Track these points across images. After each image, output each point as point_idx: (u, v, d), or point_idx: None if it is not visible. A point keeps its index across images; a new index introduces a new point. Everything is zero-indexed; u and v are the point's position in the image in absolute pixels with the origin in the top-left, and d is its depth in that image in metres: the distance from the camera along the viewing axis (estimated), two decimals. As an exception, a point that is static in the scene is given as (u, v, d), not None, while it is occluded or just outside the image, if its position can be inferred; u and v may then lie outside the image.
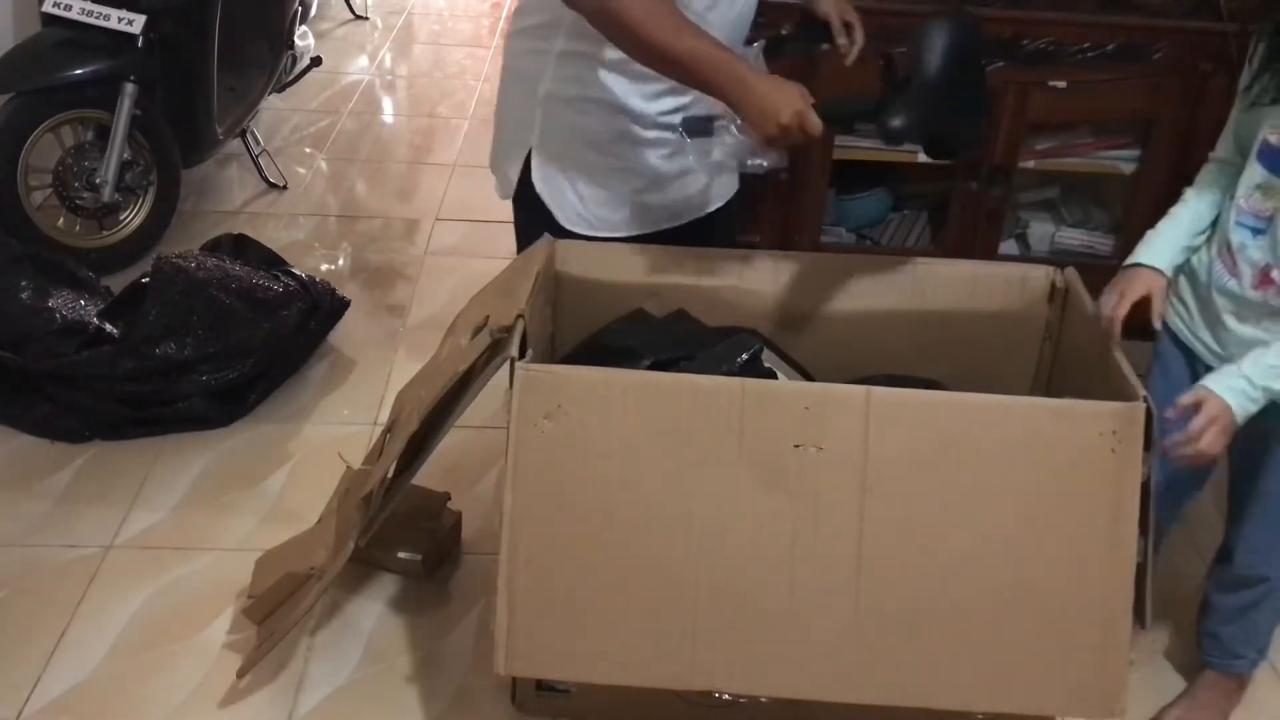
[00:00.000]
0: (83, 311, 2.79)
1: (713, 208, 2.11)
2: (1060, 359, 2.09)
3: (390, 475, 1.90)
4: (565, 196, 1.98)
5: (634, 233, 2.03)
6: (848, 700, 1.76)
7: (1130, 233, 2.99)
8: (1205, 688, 2.13)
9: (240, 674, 2.03)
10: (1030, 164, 2.94)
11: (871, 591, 1.70)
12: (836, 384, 1.72)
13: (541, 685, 1.98)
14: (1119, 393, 1.72)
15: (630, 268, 2.06)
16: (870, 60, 1.78)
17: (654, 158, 1.96)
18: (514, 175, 2.00)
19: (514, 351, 1.71)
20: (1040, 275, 2.08)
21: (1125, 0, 2.79)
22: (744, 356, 1.91)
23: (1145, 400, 1.67)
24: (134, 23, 3.12)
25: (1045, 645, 1.72)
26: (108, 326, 2.75)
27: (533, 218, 2.00)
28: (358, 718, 2.04)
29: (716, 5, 1.82)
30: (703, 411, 1.68)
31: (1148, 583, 1.79)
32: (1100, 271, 2.94)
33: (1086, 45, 2.73)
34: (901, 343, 2.06)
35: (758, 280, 2.06)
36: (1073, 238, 3.08)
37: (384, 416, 2.78)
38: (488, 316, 1.84)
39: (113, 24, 3.11)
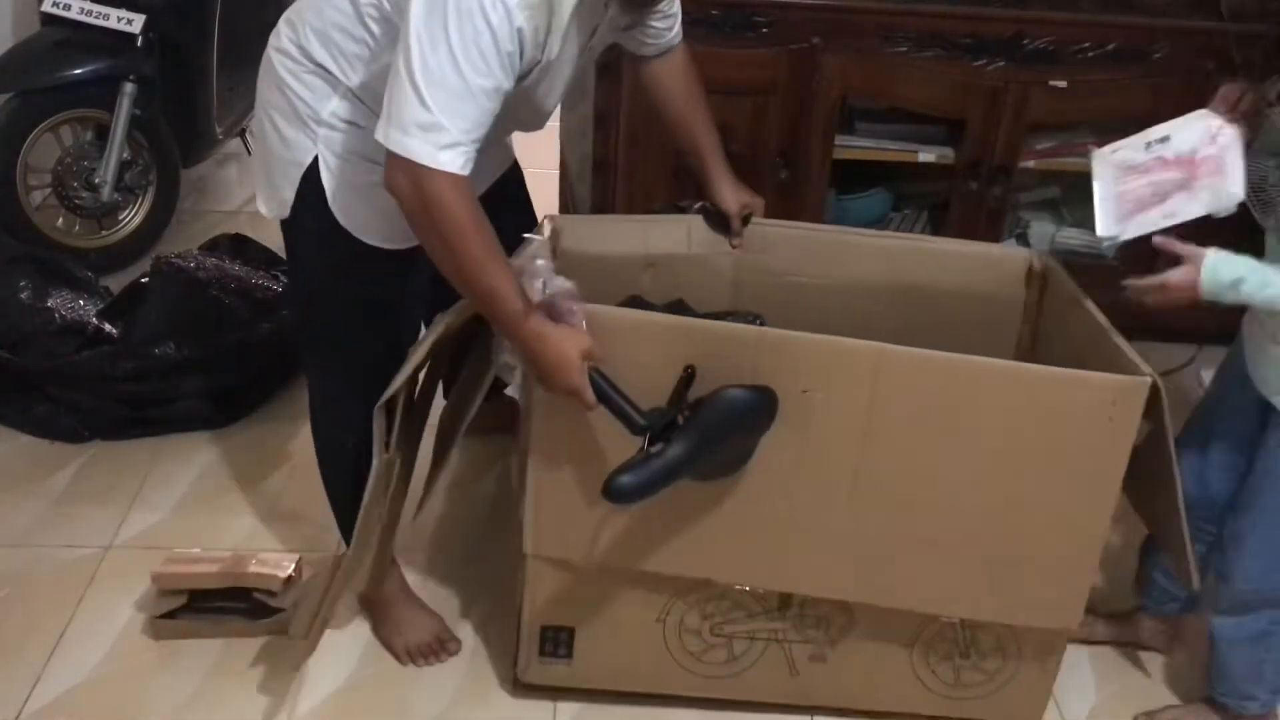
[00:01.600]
0: (82, 311, 2.78)
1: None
2: (1039, 340, 2.16)
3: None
4: (347, 209, 1.85)
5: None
6: (832, 596, 1.94)
7: (1130, 233, 3.00)
8: (1215, 710, 2.07)
9: (294, 667, 2.07)
10: (1030, 164, 2.95)
11: (862, 512, 1.85)
12: (849, 339, 1.79)
13: (544, 651, 2.02)
14: (1118, 369, 1.81)
15: (625, 239, 2.11)
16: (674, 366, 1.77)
17: None
18: (289, 194, 1.87)
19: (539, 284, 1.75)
20: (1018, 257, 2.16)
21: (1125, 0, 2.79)
22: None
23: (1151, 377, 1.76)
24: (134, 22, 3.11)
25: (1019, 568, 1.89)
26: (107, 326, 2.75)
27: (313, 238, 1.89)
28: (358, 718, 2.05)
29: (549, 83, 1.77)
30: (720, 354, 1.76)
31: (1187, 543, 1.89)
32: (1100, 271, 2.95)
33: (1086, 45, 2.73)
34: (886, 316, 2.11)
35: (750, 247, 2.13)
36: (1073, 238, 3.08)
37: (384, 416, 2.78)
38: None
39: (112, 24, 3.10)
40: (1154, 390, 1.76)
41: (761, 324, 1.97)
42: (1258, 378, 1.86)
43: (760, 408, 1.75)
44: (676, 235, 2.12)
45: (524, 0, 1.57)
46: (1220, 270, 1.68)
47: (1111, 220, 1.87)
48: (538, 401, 1.81)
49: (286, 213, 1.88)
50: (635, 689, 2.06)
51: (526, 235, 1.96)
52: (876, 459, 1.81)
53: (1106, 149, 1.89)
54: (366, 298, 1.92)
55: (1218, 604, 1.99)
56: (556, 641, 2.01)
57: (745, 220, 2.11)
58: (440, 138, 1.58)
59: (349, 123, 1.81)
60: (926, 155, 2.93)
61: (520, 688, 2.08)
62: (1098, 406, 1.77)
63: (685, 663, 2.03)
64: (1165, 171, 1.80)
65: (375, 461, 1.86)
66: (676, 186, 2.15)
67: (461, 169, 1.60)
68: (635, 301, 2.05)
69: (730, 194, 2.09)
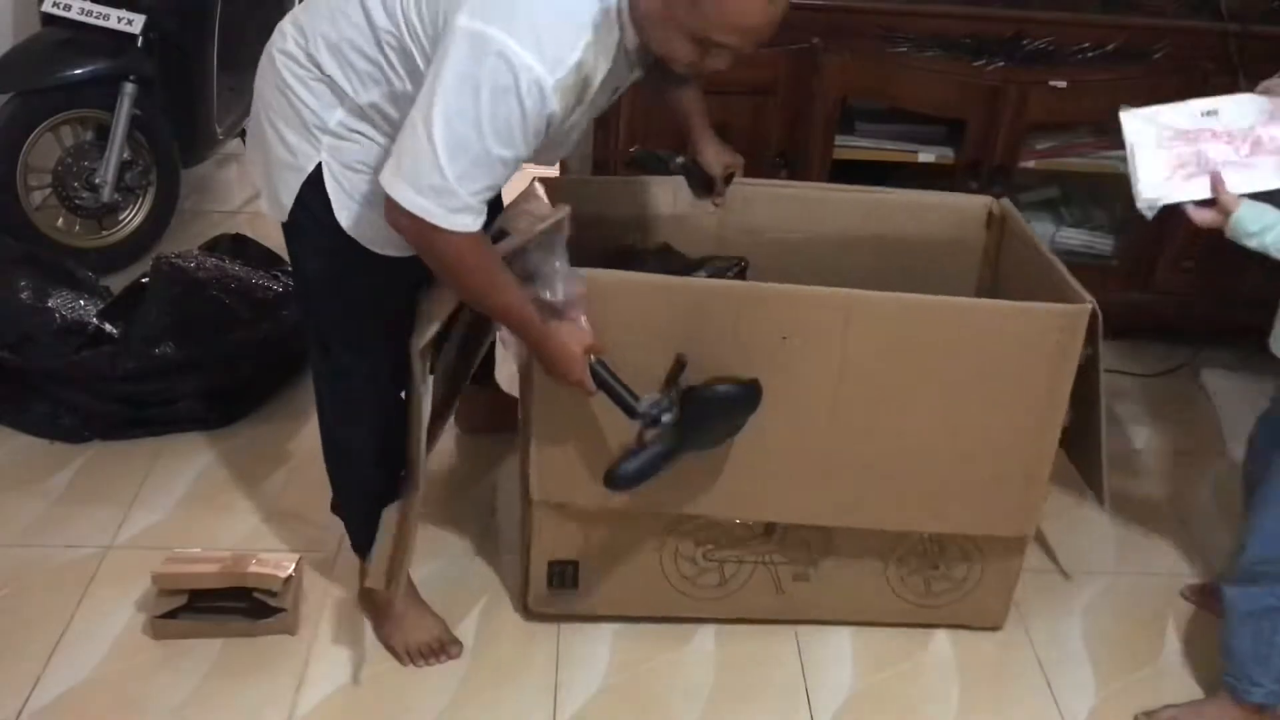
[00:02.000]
0: (82, 311, 2.78)
1: None
2: (999, 279, 2.31)
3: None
4: (351, 212, 1.84)
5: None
6: (815, 523, 2.10)
7: (1130, 232, 3.00)
8: (1216, 703, 2.07)
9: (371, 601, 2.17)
10: (1030, 164, 2.95)
11: (839, 446, 2.00)
12: (821, 286, 1.92)
13: (551, 585, 2.15)
14: (1064, 299, 1.97)
15: (612, 200, 2.23)
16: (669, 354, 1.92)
17: None
18: (287, 200, 1.85)
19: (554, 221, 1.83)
20: (978, 204, 2.31)
21: (1125, 0, 2.79)
22: (731, 273, 2.11)
23: (1091, 304, 1.92)
24: (134, 23, 3.11)
25: (980, 484, 2.05)
26: (107, 326, 2.75)
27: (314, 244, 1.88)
28: (358, 718, 2.05)
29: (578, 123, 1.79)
30: (704, 307, 1.89)
31: (1103, 464, 2.09)
32: (1100, 271, 2.96)
33: (1086, 45, 2.73)
34: (858, 265, 2.22)
35: (732, 205, 2.22)
36: (1073, 238, 3.08)
37: (384, 416, 2.78)
38: (501, 229, 1.91)
39: (112, 24, 3.10)
40: (1093, 316, 1.92)
41: (745, 266, 2.14)
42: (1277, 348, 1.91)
43: (745, 399, 1.88)
44: (663, 196, 2.24)
45: (561, 84, 1.56)
46: (1246, 222, 1.76)
47: (1155, 181, 1.83)
48: (543, 394, 1.92)
49: (285, 217, 1.87)
50: (635, 614, 2.18)
51: (535, 193, 1.98)
52: (851, 395, 1.96)
53: (1139, 110, 1.86)
54: (376, 299, 1.91)
55: (1233, 571, 1.99)
56: (563, 576, 2.15)
57: (728, 180, 2.15)
58: (453, 202, 1.59)
59: (358, 133, 1.79)
60: (926, 155, 2.93)
61: (531, 616, 2.21)
62: (1045, 333, 1.93)
63: (681, 587, 2.18)
64: (1215, 142, 1.80)
65: (417, 390, 1.89)
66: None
67: (472, 226, 1.62)
68: (626, 250, 2.15)
69: (714, 154, 2.12)
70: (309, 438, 2.71)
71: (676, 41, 1.62)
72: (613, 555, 2.14)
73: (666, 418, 1.83)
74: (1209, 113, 1.81)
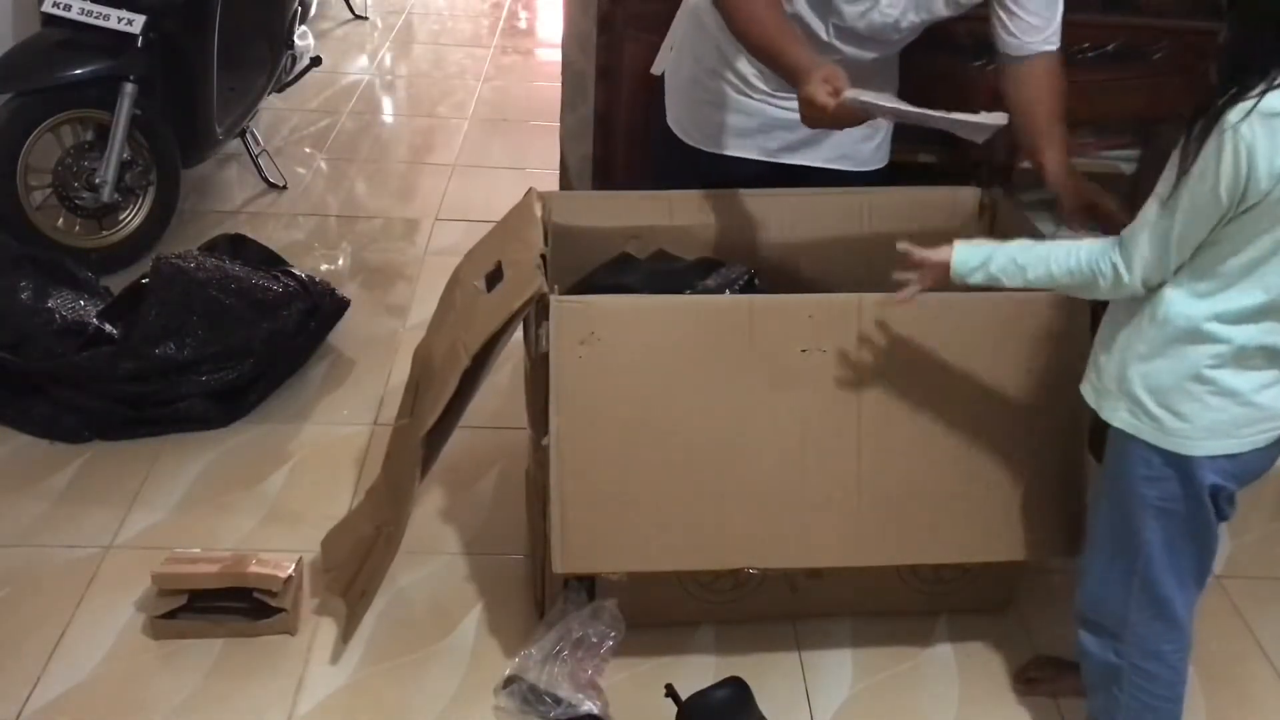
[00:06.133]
0: (82, 312, 2.78)
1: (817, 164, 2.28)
2: None
3: (438, 418, 1.97)
4: (671, 97, 2.26)
5: (711, 149, 2.24)
6: (855, 564, 2.04)
7: (1130, 233, 3.00)
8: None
9: (345, 639, 2.13)
10: (1031, 164, 2.94)
11: (870, 470, 1.95)
12: (832, 293, 1.94)
13: (568, 584, 2.10)
14: None
15: (610, 213, 2.24)
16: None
17: (730, 91, 2.19)
18: (662, 64, 2.29)
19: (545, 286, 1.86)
20: (969, 195, 2.34)
21: (1125, 0, 2.79)
22: (740, 282, 2.09)
23: None
24: (134, 23, 3.12)
25: (1018, 501, 2.00)
26: (107, 327, 2.75)
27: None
28: (358, 718, 2.05)
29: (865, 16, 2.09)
30: (719, 326, 1.89)
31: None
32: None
33: (1086, 45, 2.73)
34: (854, 265, 2.23)
35: (727, 217, 2.24)
36: (1073, 238, 3.07)
37: (384, 416, 2.78)
38: (499, 261, 1.96)
39: (112, 24, 3.11)
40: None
41: (753, 276, 2.11)
42: None
43: (735, 699, 1.96)
44: (659, 209, 2.24)
45: None
46: (965, 258, 1.74)
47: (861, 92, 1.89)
48: (563, 435, 1.88)
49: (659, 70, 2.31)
50: (651, 620, 2.14)
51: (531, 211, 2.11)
52: (874, 407, 1.93)
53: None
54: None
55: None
56: (579, 590, 2.12)
57: (1090, 209, 2.10)
58: None
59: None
60: (927, 155, 2.92)
61: (542, 617, 2.17)
62: (1049, 322, 1.94)
63: (696, 593, 2.17)
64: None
65: (414, 469, 2.00)
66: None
67: None
68: (623, 258, 2.16)
69: (1065, 178, 2.14)
70: (309, 438, 2.72)
71: None
72: (632, 575, 2.06)
73: None
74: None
